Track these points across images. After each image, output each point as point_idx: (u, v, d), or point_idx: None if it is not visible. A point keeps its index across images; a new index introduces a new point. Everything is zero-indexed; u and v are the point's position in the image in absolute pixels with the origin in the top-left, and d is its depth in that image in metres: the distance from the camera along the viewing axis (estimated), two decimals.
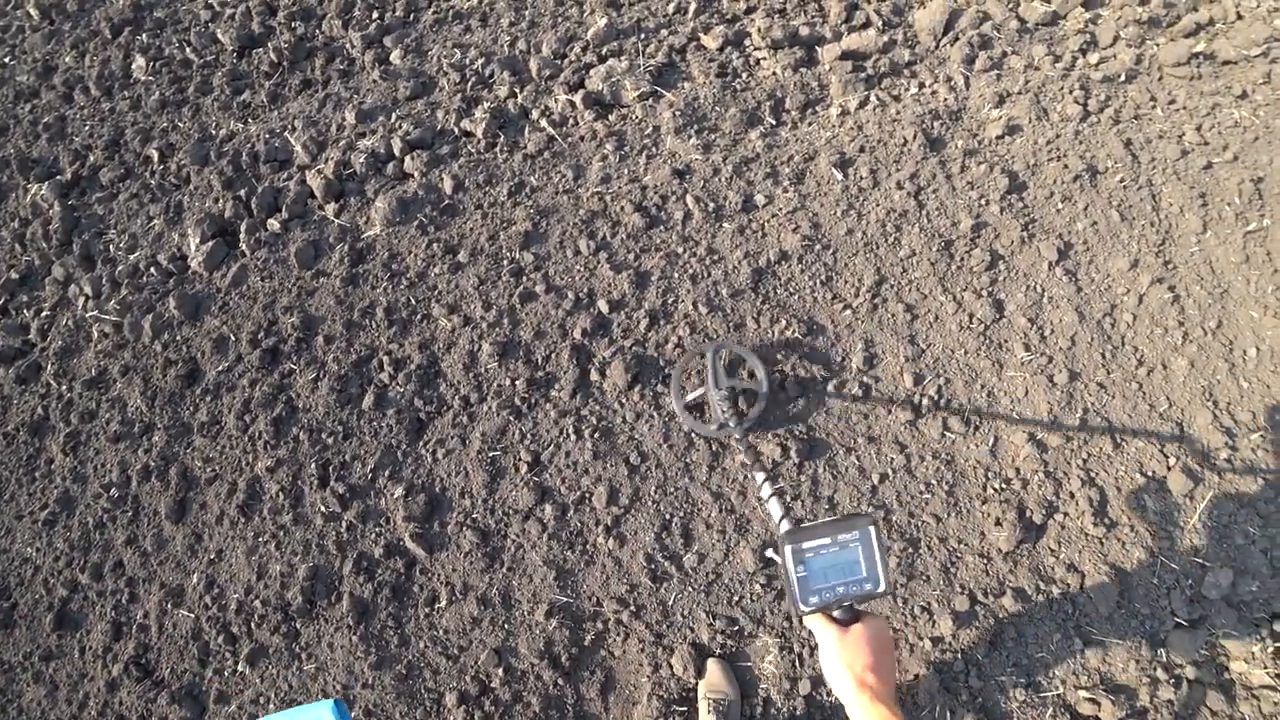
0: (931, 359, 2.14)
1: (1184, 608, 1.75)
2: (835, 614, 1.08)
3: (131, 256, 2.77)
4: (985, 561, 1.85)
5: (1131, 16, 2.83)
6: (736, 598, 1.86)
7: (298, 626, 1.98)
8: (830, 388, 2.10)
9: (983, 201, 2.39)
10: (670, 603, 1.88)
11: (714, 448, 2.05)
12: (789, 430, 2.05)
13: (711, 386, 1.97)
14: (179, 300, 2.54)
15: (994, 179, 2.42)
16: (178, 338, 2.51)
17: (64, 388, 2.49)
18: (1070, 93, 2.62)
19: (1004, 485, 1.94)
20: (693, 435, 2.06)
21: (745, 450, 1.70)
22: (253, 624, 1.99)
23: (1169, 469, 1.92)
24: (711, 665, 1.78)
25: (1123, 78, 2.67)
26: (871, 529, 1.09)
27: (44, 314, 2.71)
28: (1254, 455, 1.92)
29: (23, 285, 2.85)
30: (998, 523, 1.88)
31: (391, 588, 1.98)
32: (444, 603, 1.95)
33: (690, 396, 2.05)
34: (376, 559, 2.02)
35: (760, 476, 1.42)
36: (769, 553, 1.88)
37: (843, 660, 1.02)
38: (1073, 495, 1.91)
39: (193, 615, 2.03)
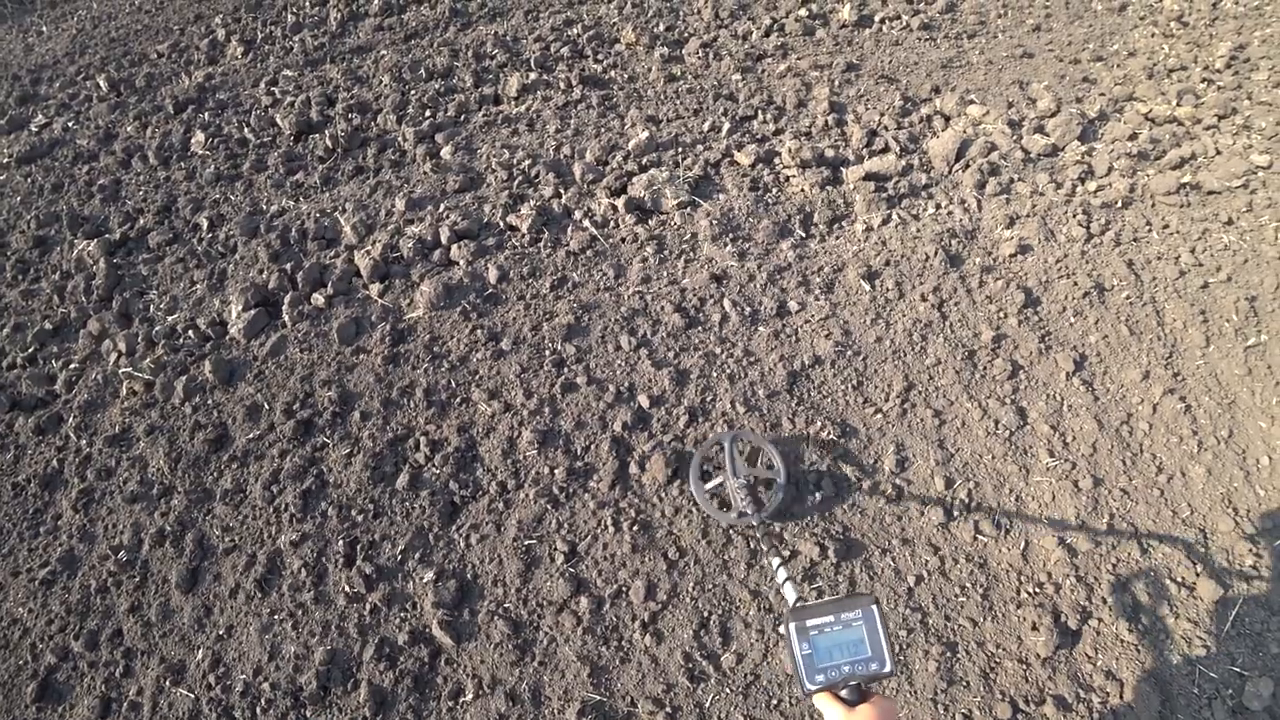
0: (960, 463, 2.20)
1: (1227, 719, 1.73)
2: (842, 693, 1.07)
3: (170, 318, 2.82)
4: (1024, 667, 1.84)
5: (1123, 150, 3.12)
6: (775, 701, 1.82)
7: (308, 714, 1.88)
8: (865, 489, 2.15)
9: (1001, 314, 2.54)
10: (707, 704, 1.83)
11: (752, 545, 2.06)
12: (826, 530, 2.07)
13: (730, 475, 2.01)
14: (215, 365, 2.57)
15: (1010, 294, 2.58)
16: (209, 401, 2.52)
17: (84, 442, 2.47)
18: (1074, 216, 2.84)
19: (1037, 589, 1.96)
20: (730, 530, 2.07)
21: (763, 537, 1.72)
22: (259, 708, 1.89)
23: (1198, 575, 1.95)
24: None
25: (1120, 204, 2.90)
26: (874, 608, 1.10)
27: (73, 366, 2.72)
28: (1279, 563, 1.96)
29: (54, 336, 2.88)
30: (1034, 627, 1.88)
31: (414, 677, 1.91)
32: (469, 696, 1.87)
33: (709, 485, 2.08)
34: (400, 646, 1.95)
35: (776, 562, 1.44)
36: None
37: None
38: (1105, 600, 1.93)
39: (193, 695, 1.92)
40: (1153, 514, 2.08)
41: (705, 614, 1.95)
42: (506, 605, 2.00)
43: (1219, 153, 3.08)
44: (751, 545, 2.06)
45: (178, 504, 2.28)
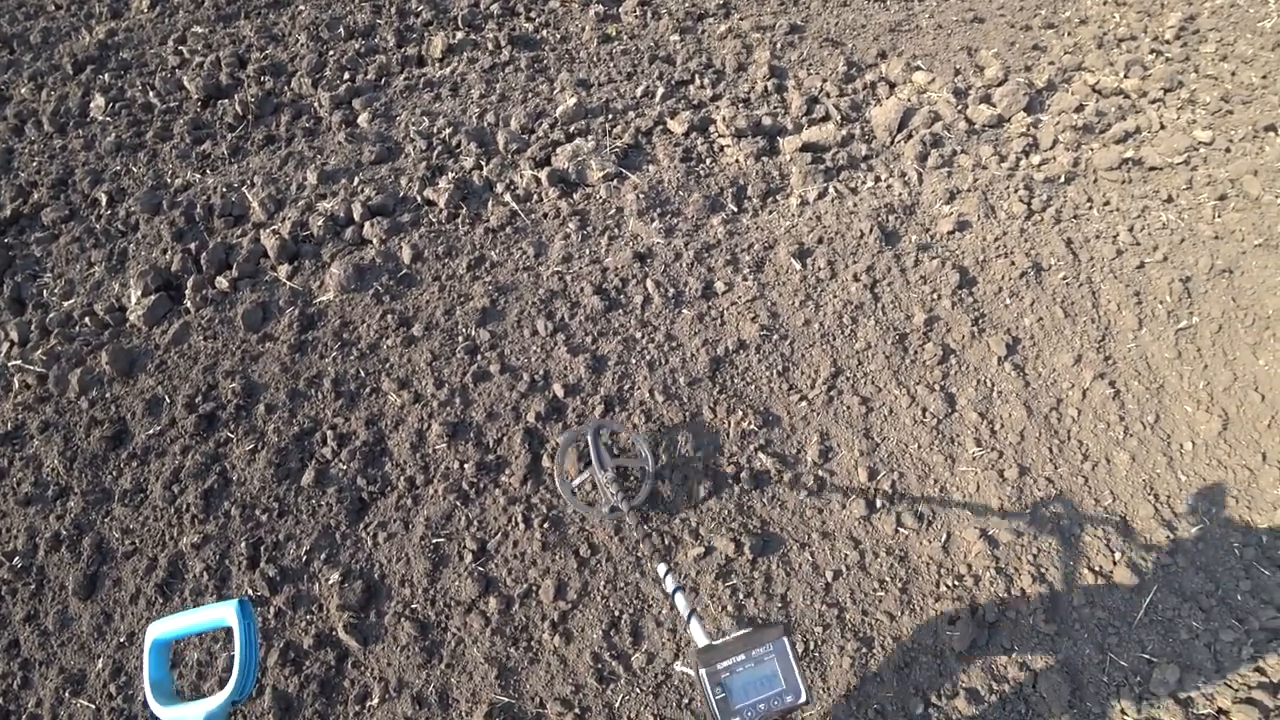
0: (886, 453, 2.15)
1: (1133, 706, 1.75)
2: None
3: (66, 304, 2.63)
4: (939, 661, 1.83)
5: (1068, 123, 3.03)
6: (686, 700, 1.79)
7: None
8: (785, 481, 2.09)
9: (935, 296, 2.47)
10: (616, 705, 1.79)
11: (666, 540, 2.00)
12: (744, 525, 2.02)
13: (596, 468, 1.92)
14: (113, 355, 2.41)
15: (946, 274, 2.50)
16: (107, 395, 2.37)
17: None
18: (1015, 192, 2.76)
19: (957, 582, 1.94)
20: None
21: (642, 537, 1.67)
22: None
23: (1115, 564, 1.95)
24: None
25: (1062, 179, 2.83)
26: (785, 639, 1.08)
27: None
28: (1195, 549, 1.97)
29: None
30: (951, 621, 1.87)
31: (320, 682, 1.84)
32: (376, 700, 1.82)
33: (576, 481, 2.00)
34: (305, 649, 1.88)
35: (663, 569, 1.40)
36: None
37: None
38: (1024, 592, 1.92)
39: (93, 705, 1.85)
40: (1076, 503, 2.07)
41: (616, 613, 1.90)
42: (414, 606, 1.93)
43: (1163, 127, 3.02)
44: (667, 542, 2.00)
45: (74, 506, 2.15)
